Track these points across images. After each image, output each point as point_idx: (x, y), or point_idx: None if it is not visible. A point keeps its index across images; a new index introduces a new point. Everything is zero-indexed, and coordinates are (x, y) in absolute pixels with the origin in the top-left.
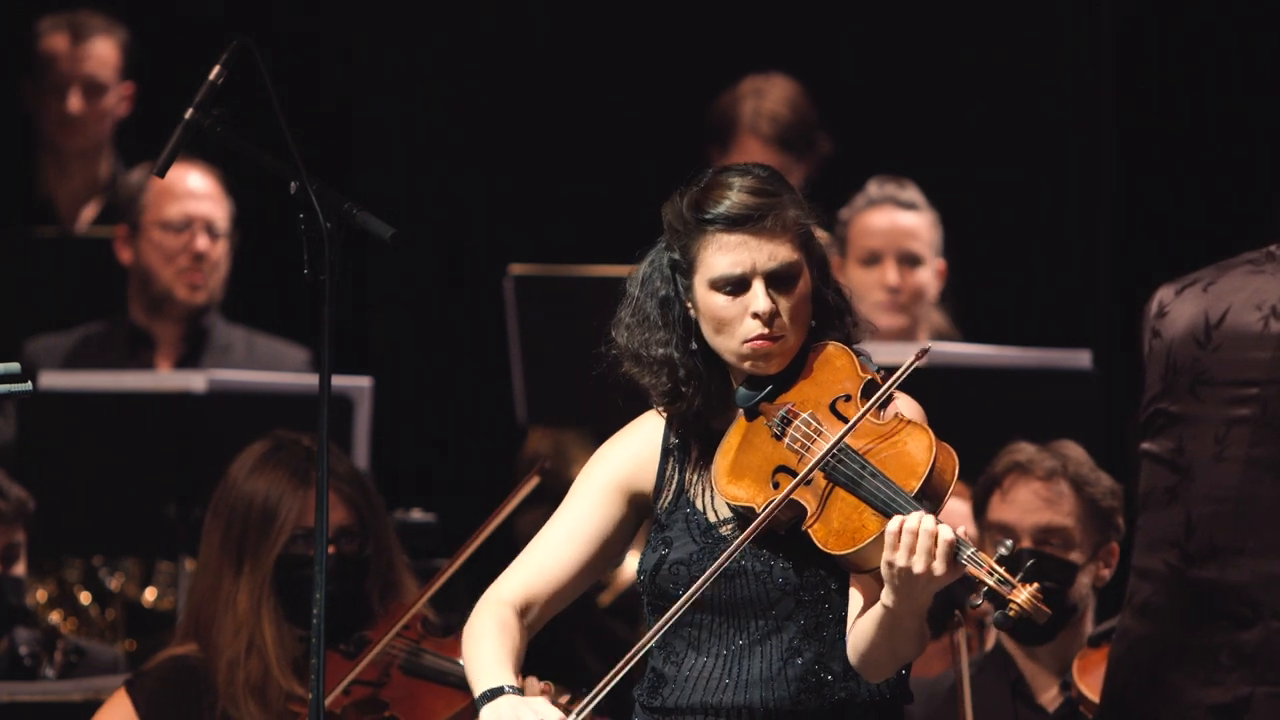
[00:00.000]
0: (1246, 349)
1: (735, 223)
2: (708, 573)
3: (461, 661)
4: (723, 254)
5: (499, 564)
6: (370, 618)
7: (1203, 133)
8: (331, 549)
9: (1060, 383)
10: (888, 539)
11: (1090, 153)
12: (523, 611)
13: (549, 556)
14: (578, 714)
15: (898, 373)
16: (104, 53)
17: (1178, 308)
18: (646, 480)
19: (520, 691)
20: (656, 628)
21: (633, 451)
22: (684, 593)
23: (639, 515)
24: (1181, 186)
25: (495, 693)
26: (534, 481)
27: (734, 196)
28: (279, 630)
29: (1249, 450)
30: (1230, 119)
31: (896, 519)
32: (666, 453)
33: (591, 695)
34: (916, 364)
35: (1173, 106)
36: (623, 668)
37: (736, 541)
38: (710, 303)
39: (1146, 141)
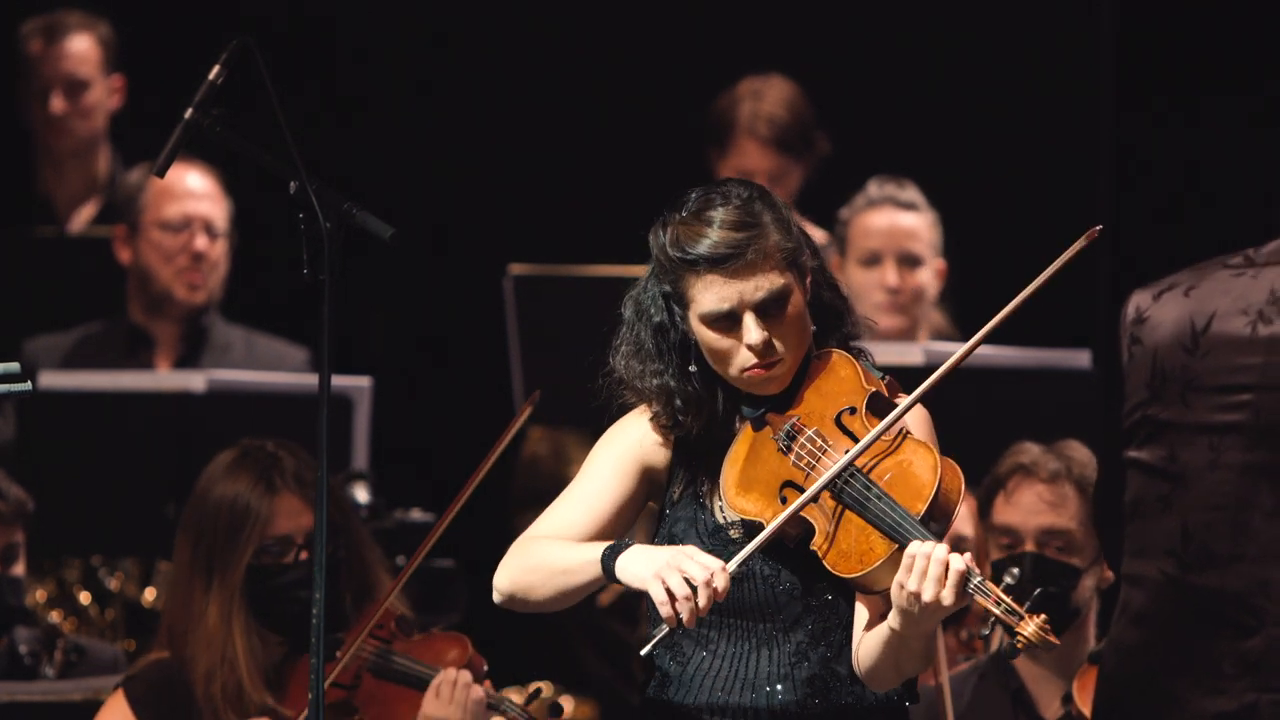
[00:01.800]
0: (1236, 354)
1: (717, 262)
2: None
3: (429, 665)
4: (709, 292)
5: (498, 563)
6: (344, 621)
7: (1202, 132)
8: (303, 555)
9: (1060, 383)
10: (903, 562)
11: (1090, 152)
12: None
13: (573, 517)
14: (736, 562)
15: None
16: (81, 49)
17: (1158, 313)
18: (661, 462)
19: None
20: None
21: (648, 434)
22: None
23: (649, 494)
24: (1181, 186)
25: (622, 544)
26: (526, 411)
27: (714, 235)
28: (249, 642)
29: (1244, 456)
30: (1230, 118)
31: (914, 544)
32: (679, 443)
33: (749, 549)
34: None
35: (1172, 105)
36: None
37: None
38: (704, 335)
39: (1146, 141)
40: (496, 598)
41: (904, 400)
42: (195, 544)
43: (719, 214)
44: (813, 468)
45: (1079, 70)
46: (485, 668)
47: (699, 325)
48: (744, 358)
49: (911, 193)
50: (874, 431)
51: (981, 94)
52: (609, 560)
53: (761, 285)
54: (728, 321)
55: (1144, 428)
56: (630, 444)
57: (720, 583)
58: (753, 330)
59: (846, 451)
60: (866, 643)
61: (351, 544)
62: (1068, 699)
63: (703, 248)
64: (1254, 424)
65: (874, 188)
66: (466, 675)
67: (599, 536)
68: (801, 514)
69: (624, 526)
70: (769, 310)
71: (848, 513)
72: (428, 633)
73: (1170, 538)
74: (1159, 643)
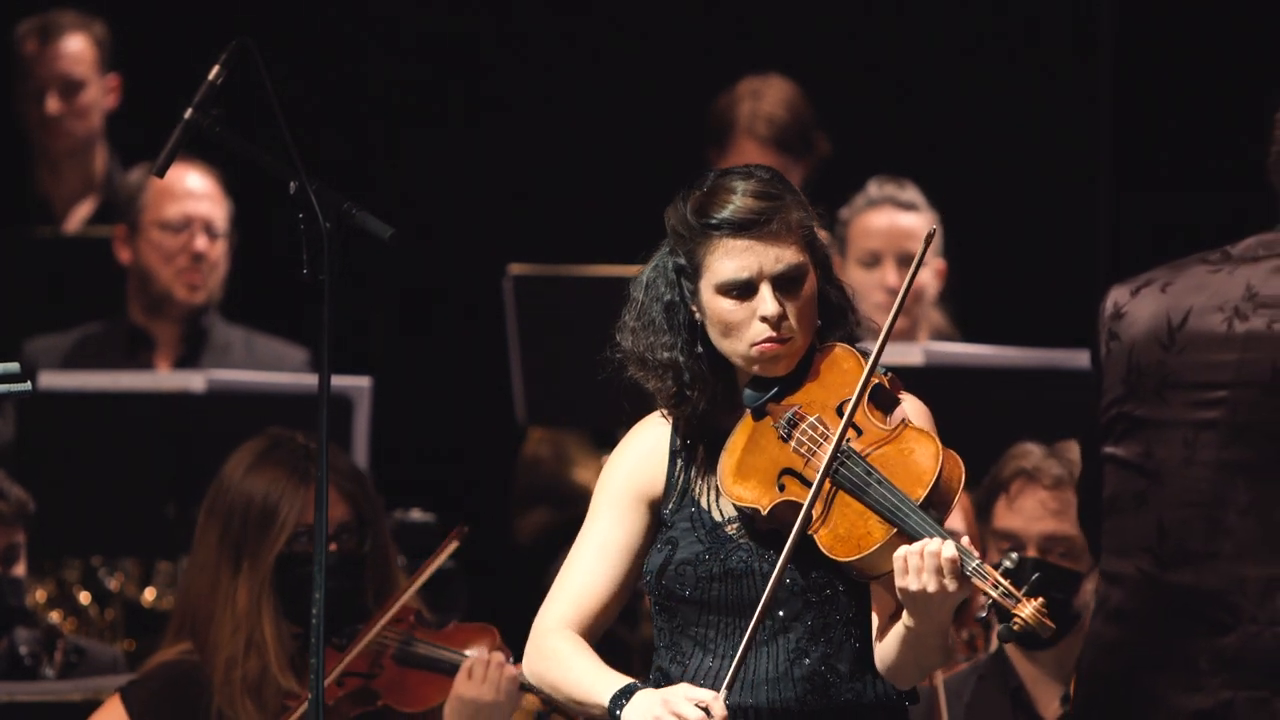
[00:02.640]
0: (1212, 351)
1: (741, 227)
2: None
3: (454, 650)
4: (729, 259)
5: (499, 565)
6: (365, 614)
7: (1201, 132)
8: (332, 546)
9: (1060, 383)
10: (896, 565)
11: (1089, 152)
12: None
13: (586, 578)
14: (726, 686)
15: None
16: (76, 49)
17: (1135, 309)
18: (658, 483)
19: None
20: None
21: (641, 457)
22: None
23: (659, 519)
24: (1181, 186)
25: (629, 689)
26: (453, 545)
27: (738, 201)
28: (278, 628)
29: (1219, 453)
30: (1229, 119)
31: (902, 548)
32: (674, 454)
33: (731, 675)
34: (927, 247)
35: (1171, 106)
36: (745, 651)
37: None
38: (717, 307)
39: (1145, 141)
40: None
41: (906, 396)
42: (224, 530)
43: (742, 184)
44: (813, 454)
45: (1079, 70)
46: (511, 658)
47: (713, 296)
48: (757, 330)
49: (911, 193)
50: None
51: (981, 94)
52: (615, 709)
53: (782, 257)
54: (744, 290)
55: (1120, 424)
56: (624, 482)
57: (717, 712)
58: (769, 301)
59: (846, 439)
60: (885, 646)
61: (379, 541)
62: (1066, 699)
63: (727, 212)
64: (1229, 421)
65: (874, 188)
66: (500, 655)
67: (614, 592)
68: (796, 499)
69: (639, 565)
70: (786, 285)
71: (845, 496)
72: (447, 626)
73: (1147, 535)
74: (1136, 640)
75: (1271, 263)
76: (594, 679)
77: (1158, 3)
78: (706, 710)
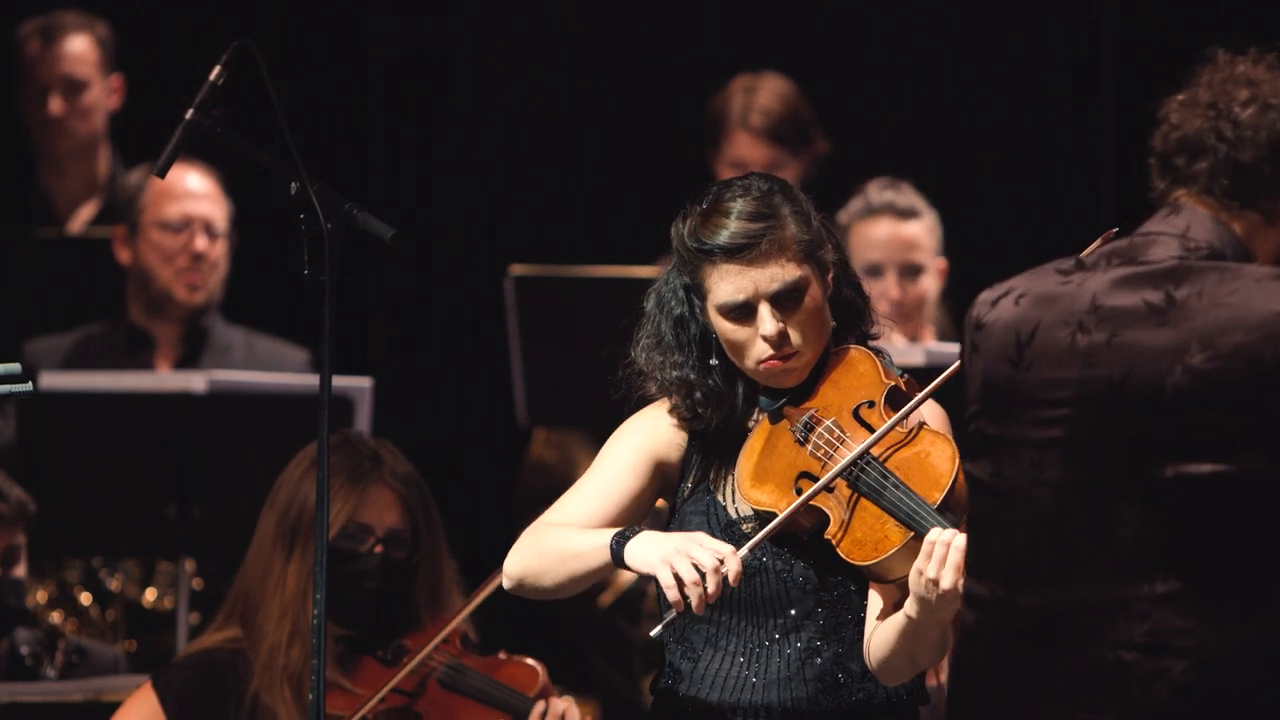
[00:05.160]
0: (1056, 368)
1: (733, 252)
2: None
3: (508, 686)
4: (725, 282)
5: (499, 566)
6: (413, 625)
7: None
8: (379, 549)
9: None
10: (923, 549)
11: (1090, 152)
12: None
13: (585, 506)
14: (748, 548)
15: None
16: (78, 50)
17: (992, 320)
18: (675, 457)
19: None
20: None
21: (666, 426)
22: None
23: (660, 490)
24: None
25: (630, 532)
26: (496, 580)
27: (731, 225)
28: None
29: (1063, 473)
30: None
31: (935, 530)
32: (694, 437)
33: (763, 534)
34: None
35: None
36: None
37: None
38: (721, 327)
39: (1147, 141)
40: (506, 583)
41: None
42: (281, 518)
43: (737, 205)
44: (830, 457)
45: (1080, 69)
46: (561, 693)
47: (716, 316)
48: (760, 349)
49: (909, 196)
50: (892, 420)
51: (982, 93)
52: (618, 546)
53: (777, 276)
54: (743, 312)
55: (975, 441)
56: (643, 439)
57: (731, 568)
58: (768, 321)
59: (867, 450)
60: (881, 633)
61: (433, 552)
62: None
63: (720, 238)
64: (1071, 440)
65: (873, 193)
66: (574, 710)
67: (610, 526)
68: (815, 503)
69: (634, 521)
70: (785, 302)
71: (863, 500)
72: (494, 655)
73: (999, 556)
74: (991, 663)
75: (1117, 272)
76: (590, 534)
77: (1161, 1)
78: (721, 562)
